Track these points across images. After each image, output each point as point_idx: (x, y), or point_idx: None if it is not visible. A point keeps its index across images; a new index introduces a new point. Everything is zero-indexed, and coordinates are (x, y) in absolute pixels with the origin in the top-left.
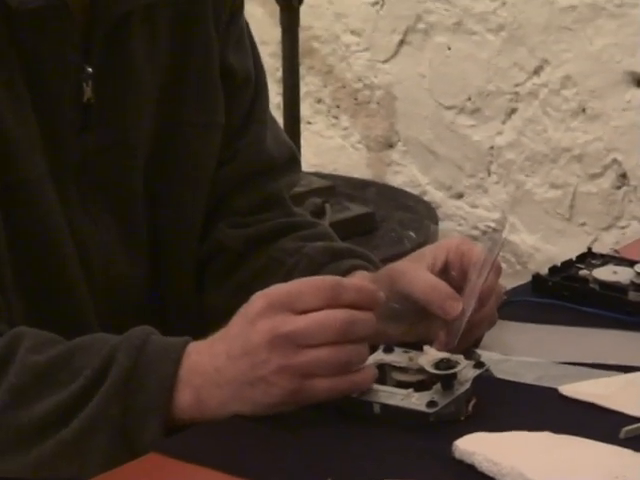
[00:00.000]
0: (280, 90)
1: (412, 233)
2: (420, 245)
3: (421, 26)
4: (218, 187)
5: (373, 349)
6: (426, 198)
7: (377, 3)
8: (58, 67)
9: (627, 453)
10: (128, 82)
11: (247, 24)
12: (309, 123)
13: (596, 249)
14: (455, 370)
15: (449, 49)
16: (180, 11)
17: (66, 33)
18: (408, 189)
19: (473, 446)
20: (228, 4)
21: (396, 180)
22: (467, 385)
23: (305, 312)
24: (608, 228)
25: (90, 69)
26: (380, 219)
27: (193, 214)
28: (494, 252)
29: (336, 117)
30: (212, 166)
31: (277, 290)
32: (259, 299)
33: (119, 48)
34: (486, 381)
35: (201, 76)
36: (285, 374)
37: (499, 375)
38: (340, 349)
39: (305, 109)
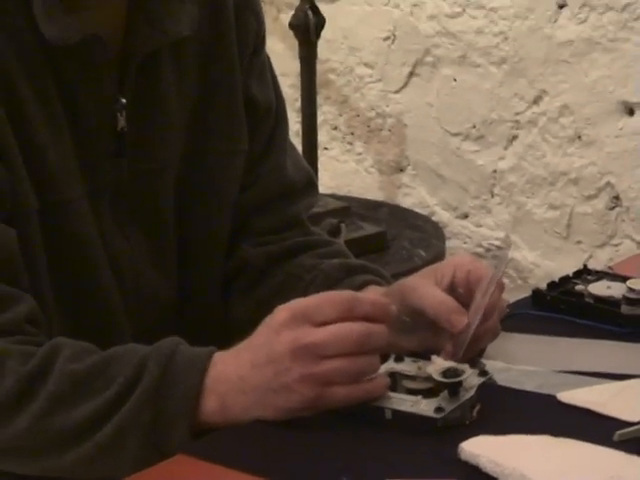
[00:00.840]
0: (299, 118)
1: (421, 251)
2: (429, 262)
3: (429, 59)
4: (242, 209)
5: (384, 358)
6: (434, 218)
7: (389, 38)
8: (94, 98)
9: (620, 455)
10: (159, 112)
11: (268, 58)
12: (326, 149)
13: (591, 266)
14: (461, 378)
15: (455, 80)
16: (206, 47)
17: (101, 66)
18: (417, 210)
19: (478, 448)
20: (251, 40)
21: (406, 201)
22: (472, 392)
23: (324, 324)
24: (602, 246)
25: (124, 100)
26: (391, 238)
27: (219, 233)
28: (499, 270)
29: (351, 143)
30: (236, 190)
31: (298, 304)
32: (282, 312)
33: (150, 81)
34: (490, 388)
35: (226, 106)
36: (306, 382)
37: (502, 383)
38: (356, 359)
39: (322, 136)
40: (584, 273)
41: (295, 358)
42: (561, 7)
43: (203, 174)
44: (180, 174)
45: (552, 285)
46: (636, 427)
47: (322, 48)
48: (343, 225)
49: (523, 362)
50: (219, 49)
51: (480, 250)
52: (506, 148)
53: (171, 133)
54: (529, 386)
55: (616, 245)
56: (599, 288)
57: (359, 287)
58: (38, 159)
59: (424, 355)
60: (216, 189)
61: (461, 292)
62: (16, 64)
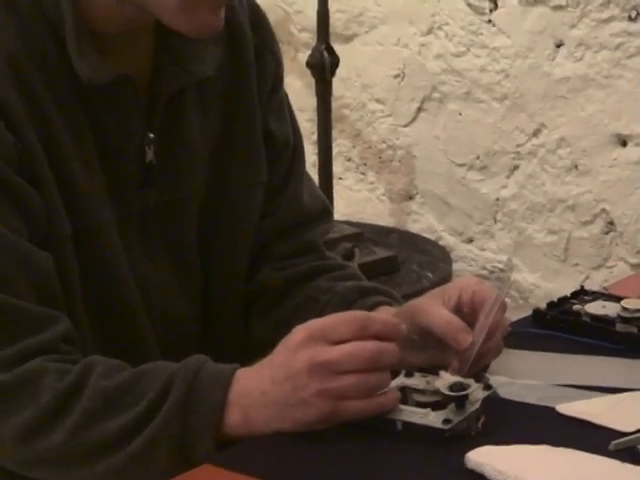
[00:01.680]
0: (315, 151)
1: (429, 273)
2: (436, 284)
3: (436, 95)
4: (261, 236)
5: (395, 374)
6: (441, 243)
7: (398, 76)
8: (124, 133)
9: (616, 463)
10: (184, 146)
11: (286, 95)
12: (340, 179)
13: (588, 286)
14: (467, 392)
15: (460, 115)
16: (228, 85)
17: (131, 104)
18: (426, 235)
19: (482, 458)
20: (269, 79)
21: (415, 227)
22: (477, 405)
23: (339, 343)
24: (598, 268)
25: (152, 135)
26: (402, 261)
27: (240, 259)
28: (502, 291)
29: (363, 173)
30: (256, 218)
31: (314, 324)
32: (299, 332)
33: (176, 117)
34: (494, 401)
35: (246, 141)
36: (322, 397)
37: (505, 396)
38: (369, 376)
39: (337, 167)
40: (581, 294)
41: (312, 374)
42: (558, 46)
43: (225, 204)
44: (203, 204)
45: (551, 305)
46: (630, 437)
47: (337, 85)
48: (357, 250)
49: (524, 376)
50: (240, 88)
51: (484, 272)
52: (508, 177)
53: (195, 165)
54: (530, 399)
55: (611, 267)
56: (595, 307)
57: (371, 308)
58: (70, 186)
59: (432, 371)
60: (237, 218)
61: (466, 312)
62: (50, 99)
